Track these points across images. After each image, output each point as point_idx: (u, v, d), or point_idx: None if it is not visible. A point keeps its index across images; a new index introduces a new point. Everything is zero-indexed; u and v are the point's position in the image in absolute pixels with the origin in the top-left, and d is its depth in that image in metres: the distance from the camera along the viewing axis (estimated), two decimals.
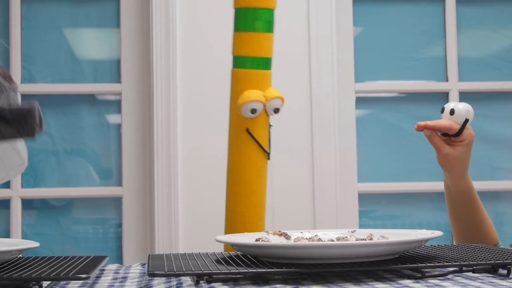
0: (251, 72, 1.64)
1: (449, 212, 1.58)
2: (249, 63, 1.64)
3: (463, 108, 1.48)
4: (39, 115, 1.30)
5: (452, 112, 1.48)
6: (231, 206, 1.67)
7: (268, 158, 1.64)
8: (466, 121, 1.47)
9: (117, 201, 2.81)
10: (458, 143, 1.49)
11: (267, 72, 1.66)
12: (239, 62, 1.67)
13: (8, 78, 1.34)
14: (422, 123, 1.48)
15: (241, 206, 1.64)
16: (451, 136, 1.49)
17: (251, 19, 1.64)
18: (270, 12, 1.64)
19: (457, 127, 1.47)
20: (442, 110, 1.50)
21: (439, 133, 1.50)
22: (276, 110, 1.61)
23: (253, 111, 1.61)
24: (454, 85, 2.92)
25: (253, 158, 1.65)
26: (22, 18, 2.85)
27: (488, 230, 1.55)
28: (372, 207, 2.94)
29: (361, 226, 2.86)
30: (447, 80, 2.94)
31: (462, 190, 1.52)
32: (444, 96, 2.93)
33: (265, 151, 1.63)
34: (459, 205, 1.54)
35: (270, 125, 1.64)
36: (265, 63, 1.66)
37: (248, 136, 1.64)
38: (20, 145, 1.51)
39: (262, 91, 1.63)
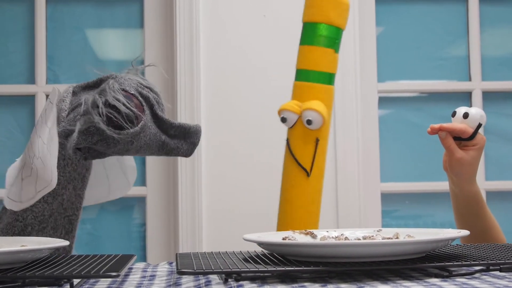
0: (312, 85, 1.65)
1: (456, 218, 1.57)
2: (311, 77, 1.66)
3: (477, 113, 1.48)
4: (200, 136, 1.40)
5: (466, 115, 1.48)
6: (279, 208, 1.70)
7: (308, 175, 1.64)
8: (480, 125, 1.48)
9: (141, 201, 2.83)
10: (470, 148, 1.49)
11: (329, 88, 1.66)
12: (301, 75, 1.69)
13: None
14: (436, 125, 1.48)
15: (280, 210, 1.68)
16: (463, 140, 1.49)
17: (315, 34, 1.67)
18: (335, 29, 1.66)
19: (470, 130, 1.47)
20: (453, 114, 1.50)
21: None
22: (309, 122, 1.61)
23: (283, 119, 1.63)
24: (477, 85, 2.91)
25: (288, 169, 1.66)
26: (47, 19, 2.87)
27: (495, 235, 1.54)
28: (394, 207, 2.93)
29: (384, 225, 2.86)
30: (470, 80, 2.93)
31: (470, 196, 1.51)
32: (467, 96, 2.93)
33: (300, 165, 1.63)
34: (466, 211, 1.53)
35: (317, 139, 1.64)
36: (326, 78, 1.67)
37: (288, 148, 1.67)
38: (129, 168, 1.56)
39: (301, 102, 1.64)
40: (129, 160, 1.55)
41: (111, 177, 1.55)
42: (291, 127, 1.63)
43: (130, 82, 1.36)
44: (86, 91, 1.39)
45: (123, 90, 1.33)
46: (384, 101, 2.92)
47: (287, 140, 1.65)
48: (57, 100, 1.34)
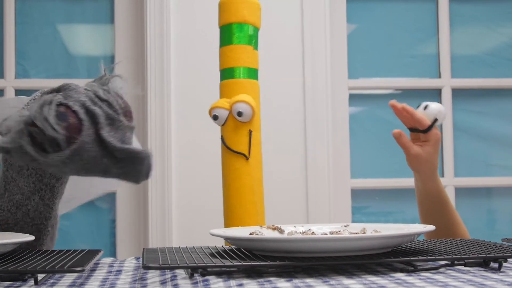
0: (238, 81, 1.68)
1: (420, 214, 1.59)
2: (235, 73, 1.70)
3: (436, 107, 1.51)
4: (148, 163, 1.23)
5: (425, 107, 1.52)
6: (223, 205, 1.71)
7: (247, 158, 1.66)
8: (435, 120, 1.50)
9: (110, 197, 2.82)
10: (425, 143, 1.51)
11: (254, 82, 1.70)
12: (226, 74, 1.72)
13: (129, 117, 1.28)
14: (399, 104, 1.52)
15: (225, 208, 1.70)
16: (419, 132, 1.52)
17: (230, 33, 1.73)
18: (247, 27, 1.72)
19: (428, 123, 1.50)
20: (417, 107, 1.55)
21: (408, 129, 1.55)
22: (239, 114, 1.63)
23: (215, 117, 1.66)
24: (447, 82, 2.94)
25: (228, 163, 1.68)
26: (16, 13, 2.85)
27: (459, 231, 1.55)
28: (365, 203, 2.95)
29: (354, 222, 2.87)
30: (440, 77, 2.95)
31: (432, 191, 1.53)
32: (437, 93, 2.95)
33: (236, 152, 1.65)
34: (430, 207, 1.55)
35: (250, 130, 1.66)
36: (250, 73, 1.70)
37: (223, 143, 1.69)
38: None
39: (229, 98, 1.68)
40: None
41: (90, 180, 1.51)
42: (223, 125, 1.66)
43: (80, 95, 1.22)
44: None
45: (65, 105, 1.20)
46: (355, 98, 2.94)
47: (222, 137, 1.66)
48: (21, 107, 1.29)
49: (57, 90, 1.26)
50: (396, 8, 3.00)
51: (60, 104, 1.20)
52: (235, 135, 1.65)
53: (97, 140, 1.21)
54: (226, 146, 1.66)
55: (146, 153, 1.23)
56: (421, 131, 1.50)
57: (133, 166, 1.23)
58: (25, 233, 1.29)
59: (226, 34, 1.72)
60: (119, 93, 1.28)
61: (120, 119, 1.24)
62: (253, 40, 1.71)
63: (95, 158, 1.21)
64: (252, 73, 1.70)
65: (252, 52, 1.71)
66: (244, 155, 1.65)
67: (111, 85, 1.28)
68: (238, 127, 1.66)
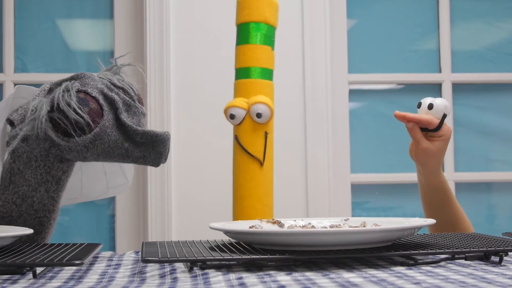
0: (254, 81, 1.67)
1: (424, 208, 1.58)
2: (251, 73, 1.68)
3: (441, 103, 1.48)
4: (169, 145, 1.28)
5: (430, 106, 1.48)
6: (233, 206, 1.70)
7: (261, 164, 1.65)
8: (445, 116, 1.48)
9: None
10: (437, 138, 1.49)
11: (269, 83, 1.69)
12: (241, 73, 1.71)
13: (141, 102, 1.34)
14: (401, 113, 1.48)
15: (235, 208, 1.69)
16: (429, 131, 1.49)
17: (249, 32, 1.70)
18: (268, 27, 1.70)
19: (436, 121, 1.48)
20: (419, 105, 1.50)
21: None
22: (258, 115, 1.62)
23: (232, 116, 1.64)
24: (447, 77, 2.93)
25: (241, 164, 1.67)
26: (15, 8, 2.84)
27: (463, 225, 1.55)
28: (365, 198, 2.94)
29: (355, 217, 2.87)
30: (440, 72, 2.95)
31: (436, 185, 1.52)
32: (437, 88, 2.94)
33: (252, 156, 1.64)
34: (433, 201, 1.54)
35: (266, 132, 1.66)
36: (266, 74, 1.69)
37: (237, 143, 1.68)
38: (128, 166, 1.50)
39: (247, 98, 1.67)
40: None
41: (109, 174, 1.51)
42: (239, 124, 1.65)
43: (96, 82, 1.28)
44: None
45: (83, 91, 1.27)
46: (355, 94, 2.93)
47: (236, 136, 1.65)
48: (31, 97, 1.31)
49: (71, 79, 1.30)
50: (396, 3, 3.00)
51: (79, 91, 1.25)
52: (251, 136, 1.64)
53: (117, 124, 1.26)
54: (242, 147, 1.64)
55: (167, 135, 1.28)
56: (432, 130, 1.48)
57: (153, 149, 1.27)
58: (28, 226, 1.30)
59: (245, 32, 1.69)
60: (130, 81, 1.33)
61: (136, 105, 1.30)
62: (272, 40, 1.70)
63: (116, 142, 1.26)
64: (269, 74, 1.69)
65: (270, 53, 1.70)
66: (260, 161, 1.64)
67: (123, 74, 1.33)
68: (255, 128, 1.65)
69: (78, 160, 1.30)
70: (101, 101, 1.26)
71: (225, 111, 1.66)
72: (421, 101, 1.50)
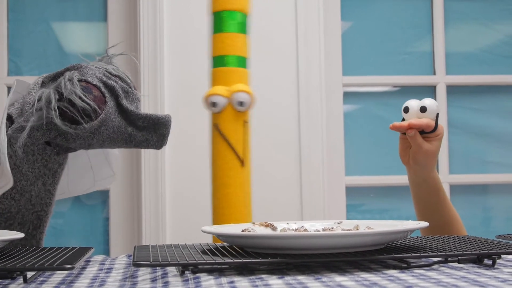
0: (230, 69, 1.68)
1: (417, 210, 1.57)
2: (227, 62, 1.70)
3: (433, 104, 1.48)
4: (170, 128, 1.32)
5: (424, 109, 1.47)
6: (212, 200, 1.70)
7: (240, 160, 1.66)
8: (437, 115, 1.48)
9: (104, 194, 2.81)
10: (434, 138, 1.49)
11: (245, 71, 1.70)
12: (218, 61, 1.72)
13: (136, 90, 1.38)
14: (404, 123, 1.47)
15: (215, 200, 1.69)
16: (426, 133, 1.49)
17: (223, 21, 1.72)
18: (242, 15, 1.71)
19: (433, 123, 1.47)
20: (406, 110, 1.48)
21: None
22: (241, 104, 1.63)
23: (213, 104, 1.65)
24: (441, 79, 2.93)
25: (221, 152, 1.67)
26: (9, 10, 2.83)
27: (457, 227, 1.55)
28: (360, 201, 2.94)
29: (349, 219, 2.87)
30: (434, 74, 2.95)
31: (432, 184, 1.52)
32: (431, 90, 2.94)
33: (234, 149, 1.65)
34: (428, 202, 1.54)
35: (245, 121, 1.66)
36: (241, 62, 1.70)
37: (217, 132, 1.68)
38: (113, 157, 1.52)
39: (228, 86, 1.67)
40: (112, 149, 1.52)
41: (95, 167, 1.52)
42: (219, 112, 1.65)
43: (94, 71, 1.31)
44: (54, 81, 1.36)
45: (84, 81, 1.29)
46: (349, 96, 2.93)
47: (216, 125, 1.66)
48: (26, 92, 1.32)
49: (66, 70, 1.34)
50: (390, 5, 3.00)
51: (80, 81, 1.28)
52: (233, 126, 1.65)
53: (119, 110, 1.30)
54: (223, 137, 1.65)
55: (168, 117, 1.32)
56: (429, 132, 1.48)
57: (155, 132, 1.31)
58: (26, 221, 1.29)
59: (219, 21, 1.71)
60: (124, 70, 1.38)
61: (133, 91, 1.34)
62: (246, 28, 1.71)
63: (120, 127, 1.29)
64: (244, 62, 1.70)
65: (244, 40, 1.70)
66: (240, 159, 1.65)
67: (115, 64, 1.38)
68: (235, 116, 1.66)
69: (83, 148, 1.32)
70: (103, 88, 1.29)
71: (206, 99, 1.66)
72: (406, 105, 1.48)
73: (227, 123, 1.65)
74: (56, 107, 1.25)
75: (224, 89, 1.65)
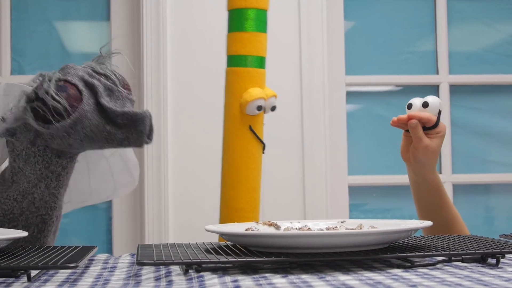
0: (249, 70, 1.66)
1: (418, 210, 1.57)
2: (246, 62, 1.67)
3: (436, 100, 1.48)
4: (150, 124, 1.29)
5: (426, 105, 1.47)
6: (230, 202, 1.67)
7: (263, 152, 1.67)
8: (440, 112, 1.48)
9: None
10: (435, 135, 1.49)
11: (262, 71, 1.68)
12: (235, 61, 1.69)
13: (127, 88, 1.35)
14: (404, 116, 1.47)
15: (242, 203, 1.66)
16: (426, 129, 1.49)
17: (243, 19, 1.67)
18: (261, 12, 1.67)
19: (434, 118, 1.47)
20: (409, 106, 1.49)
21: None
22: (273, 108, 1.63)
23: (259, 108, 1.63)
24: (444, 78, 2.93)
25: (255, 155, 1.66)
26: (12, 9, 2.83)
27: (458, 226, 1.54)
28: (363, 200, 2.94)
29: (352, 219, 2.87)
30: (437, 73, 2.94)
31: (433, 184, 1.52)
32: (434, 89, 2.94)
33: (264, 147, 1.66)
34: (429, 201, 1.53)
35: (264, 123, 1.66)
36: (260, 62, 1.68)
37: (249, 133, 1.66)
38: (133, 164, 1.51)
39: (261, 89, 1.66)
40: (132, 155, 1.51)
41: (115, 174, 1.51)
42: (254, 115, 1.65)
43: (77, 71, 1.29)
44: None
45: (64, 80, 1.27)
46: (352, 95, 2.93)
47: (250, 127, 1.65)
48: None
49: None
50: (393, 5, 2.99)
51: (59, 80, 1.26)
52: (261, 126, 1.65)
53: (98, 109, 1.26)
54: (257, 137, 1.64)
55: (146, 113, 1.28)
56: (430, 127, 1.48)
57: (135, 129, 1.27)
58: (30, 224, 1.29)
59: (237, 19, 1.67)
60: (115, 69, 1.35)
61: (119, 90, 1.31)
62: (264, 25, 1.68)
63: (98, 126, 1.26)
64: (262, 62, 1.68)
65: (263, 39, 1.67)
66: (264, 148, 1.66)
67: (108, 63, 1.35)
68: (263, 119, 1.66)
69: (64, 148, 1.29)
70: (81, 87, 1.26)
71: (251, 102, 1.63)
72: (410, 102, 1.49)
73: (259, 126, 1.65)
74: (27, 108, 1.24)
75: (263, 93, 1.64)
